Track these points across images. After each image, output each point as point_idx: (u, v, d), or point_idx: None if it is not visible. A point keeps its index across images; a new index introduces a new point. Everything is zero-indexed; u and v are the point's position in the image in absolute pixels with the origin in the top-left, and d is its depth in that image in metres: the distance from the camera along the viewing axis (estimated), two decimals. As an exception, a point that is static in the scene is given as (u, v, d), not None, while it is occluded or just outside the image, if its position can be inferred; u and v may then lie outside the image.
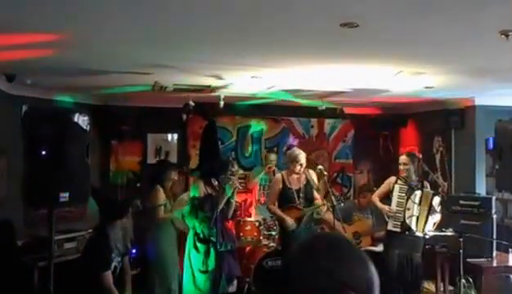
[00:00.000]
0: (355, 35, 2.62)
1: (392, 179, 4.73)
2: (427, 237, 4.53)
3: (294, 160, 4.51)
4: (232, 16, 2.41)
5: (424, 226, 4.45)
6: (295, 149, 4.76)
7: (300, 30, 2.64)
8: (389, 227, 4.59)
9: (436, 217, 4.50)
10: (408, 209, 4.47)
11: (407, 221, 4.46)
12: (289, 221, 4.47)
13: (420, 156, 4.81)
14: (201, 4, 2.23)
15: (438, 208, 4.47)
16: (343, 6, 2.24)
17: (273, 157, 5.98)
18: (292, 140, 5.52)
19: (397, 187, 4.60)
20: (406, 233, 4.48)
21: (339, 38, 2.75)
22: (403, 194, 4.55)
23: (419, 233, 4.47)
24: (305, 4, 2.21)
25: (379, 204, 4.72)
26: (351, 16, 2.36)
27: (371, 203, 5.06)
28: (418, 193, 4.49)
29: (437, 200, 4.47)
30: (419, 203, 4.46)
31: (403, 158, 4.64)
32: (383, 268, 4.70)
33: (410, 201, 4.48)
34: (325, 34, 2.70)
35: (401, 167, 4.64)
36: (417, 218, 4.45)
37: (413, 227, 4.46)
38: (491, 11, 2.29)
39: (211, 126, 4.75)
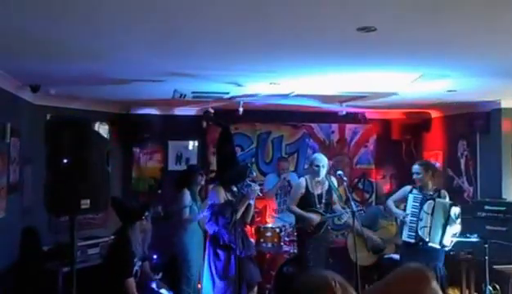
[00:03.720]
0: (373, 39, 2.59)
1: (408, 188, 4.62)
2: (446, 248, 4.36)
3: (314, 163, 4.59)
4: (248, 23, 2.43)
5: (442, 237, 4.28)
6: (316, 153, 4.81)
7: (317, 35, 2.64)
8: (404, 238, 4.45)
9: (454, 228, 4.32)
10: (421, 219, 4.34)
11: (420, 232, 4.33)
12: (313, 216, 4.53)
13: (437, 165, 4.63)
14: (215, 12, 2.25)
15: (458, 220, 4.30)
16: (359, 10, 2.22)
17: (286, 165, 5.96)
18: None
19: (411, 196, 4.48)
20: (420, 243, 4.33)
21: (356, 43, 2.73)
22: (417, 204, 4.43)
23: (434, 245, 4.31)
24: (321, 9, 2.21)
25: (395, 209, 4.63)
26: (368, 20, 2.35)
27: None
28: (430, 202, 4.35)
29: (455, 211, 4.30)
30: (432, 214, 4.32)
31: (415, 168, 4.52)
32: None
33: (422, 211, 4.35)
34: (342, 39, 2.69)
35: (414, 177, 4.53)
36: (430, 229, 4.31)
37: (425, 238, 4.31)
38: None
39: (225, 134, 4.79)
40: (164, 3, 2.12)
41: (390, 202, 4.69)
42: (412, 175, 4.55)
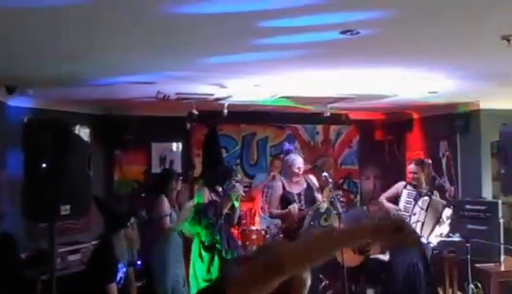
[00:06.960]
0: (356, 42, 2.59)
1: (402, 184, 4.72)
2: (431, 245, 4.46)
3: (291, 165, 4.58)
4: (232, 24, 2.40)
5: (430, 234, 4.39)
6: (291, 154, 4.79)
7: (301, 37, 2.62)
8: None
9: (443, 229, 4.43)
10: (414, 214, 4.44)
11: (413, 226, 4.42)
12: (292, 208, 4.46)
13: (430, 161, 4.76)
14: (201, 12, 2.21)
15: (447, 221, 4.41)
16: (343, 13, 2.22)
17: (278, 164, 5.94)
18: (288, 146, 5.55)
19: (405, 191, 4.59)
20: None
21: (339, 45, 2.72)
22: (411, 199, 4.53)
23: (423, 240, 4.40)
24: (306, 12, 2.19)
25: (387, 204, 4.70)
26: (351, 24, 2.34)
27: (380, 211, 5.01)
28: (426, 199, 4.46)
29: (447, 212, 4.40)
30: (426, 210, 4.42)
31: (412, 167, 4.62)
32: (390, 276, 4.66)
33: (417, 206, 4.44)
34: (325, 41, 2.68)
35: (411, 176, 4.64)
36: (422, 224, 4.39)
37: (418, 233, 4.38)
38: (493, 16, 2.26)
39: (212, 134, 4.77)
40: (150, 5, 2.07)
41: (382, 198, 4.75)
42: (409, 174, 4.65)
